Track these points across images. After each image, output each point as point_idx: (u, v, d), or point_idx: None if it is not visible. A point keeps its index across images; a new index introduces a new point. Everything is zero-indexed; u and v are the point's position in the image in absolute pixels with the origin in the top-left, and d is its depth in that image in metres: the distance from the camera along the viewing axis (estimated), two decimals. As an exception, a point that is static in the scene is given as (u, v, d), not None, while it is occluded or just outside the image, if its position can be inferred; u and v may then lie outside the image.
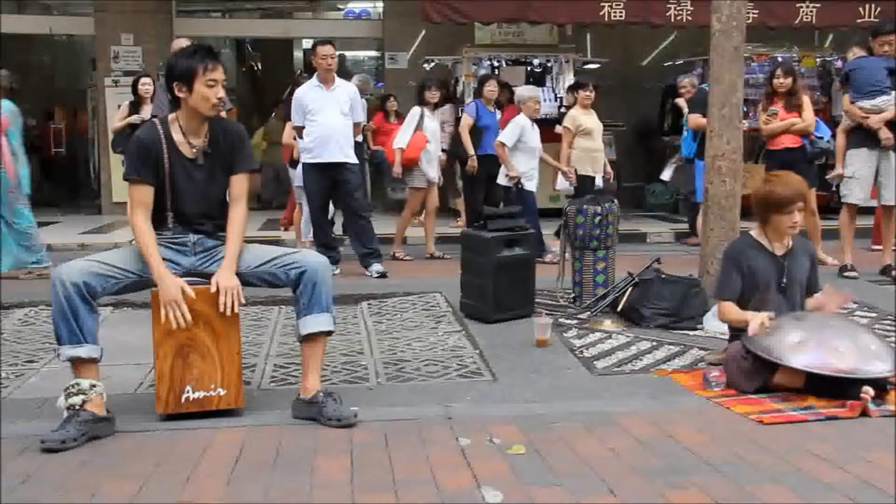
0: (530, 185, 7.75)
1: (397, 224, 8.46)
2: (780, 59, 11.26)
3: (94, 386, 3.30)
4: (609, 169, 8.35)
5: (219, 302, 3.39)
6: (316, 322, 3.51)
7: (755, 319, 3.79)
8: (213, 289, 3.41)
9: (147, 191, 3.48)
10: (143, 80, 8.39)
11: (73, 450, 3.15)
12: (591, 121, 8.18)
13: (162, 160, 3.49)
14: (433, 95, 8.16)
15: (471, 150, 8.07)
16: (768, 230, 4.05)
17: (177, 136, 3.52)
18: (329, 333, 3.59)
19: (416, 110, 8.10)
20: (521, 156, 7.70)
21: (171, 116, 3.57)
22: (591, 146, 8.12)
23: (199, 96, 3.45)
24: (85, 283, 3.27)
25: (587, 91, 8.19)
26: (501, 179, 7.78)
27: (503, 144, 7.66)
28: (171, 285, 3.35)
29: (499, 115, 8.50)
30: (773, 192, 3.94)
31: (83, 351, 3.29)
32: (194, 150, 3.53)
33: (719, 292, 4.09)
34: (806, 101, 7.28)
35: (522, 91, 8.02)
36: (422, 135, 7.89)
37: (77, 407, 3.24)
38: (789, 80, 7.20)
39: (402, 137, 7.98)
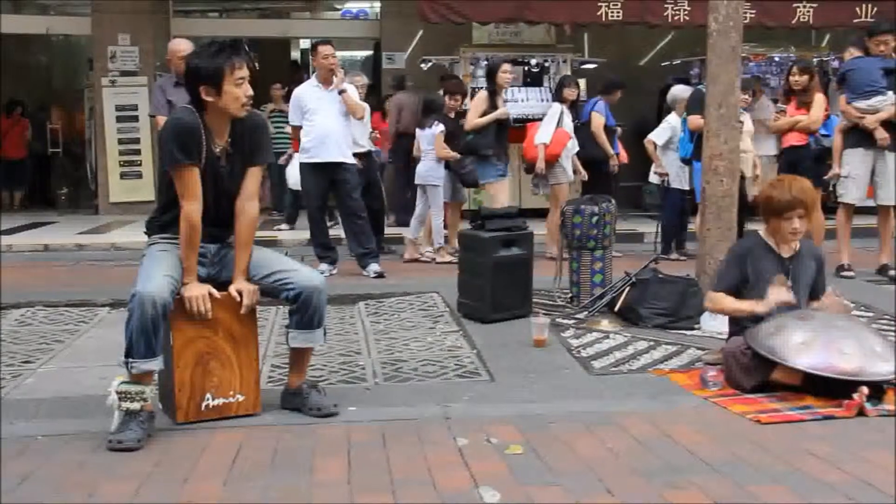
0: (677, 183, 8.03)
1: (549, 224, 8.09)
2: (777, 59, 11.29)
3: (152, 391, 3.34)
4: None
5: (243, 304, 3.42)
6: (305, 339, 3.57)
7: (776, 293, 3.83)
8: (238, 298, 3.42)
9: (199, 178, 3.34)
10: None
11: (72, 450, 3.15)
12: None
13: (201, 148, 3.34)
14: (572, 93, 8.16)
15: (610, 151, 8.23)
16: (772, 233, 4.04)
17: (206, 130, 3.38)
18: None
19: (556, 107, 7.98)
20: (673, 155, 7.99)
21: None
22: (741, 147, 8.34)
23: (230, 97, 3.32)
24: (168, 302, 3.26)
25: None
26: (653, 177, 8.26)
27: (654, 143, 8.09)
28: (200, 286, 3.38)
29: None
30: (771, 198, 3.93)
31: (155, 364, 3.29)
32: (218, 150, 3.43)
33: (716, 284, 4.16)
34: (817, 99, 7.17)
35: (675, 91, 8.27)
36: (564, 131, 7.83)
37: (137, 410, 3.25)
38: (804, 78, 7.14)
39: (544, 133, 7.80)
